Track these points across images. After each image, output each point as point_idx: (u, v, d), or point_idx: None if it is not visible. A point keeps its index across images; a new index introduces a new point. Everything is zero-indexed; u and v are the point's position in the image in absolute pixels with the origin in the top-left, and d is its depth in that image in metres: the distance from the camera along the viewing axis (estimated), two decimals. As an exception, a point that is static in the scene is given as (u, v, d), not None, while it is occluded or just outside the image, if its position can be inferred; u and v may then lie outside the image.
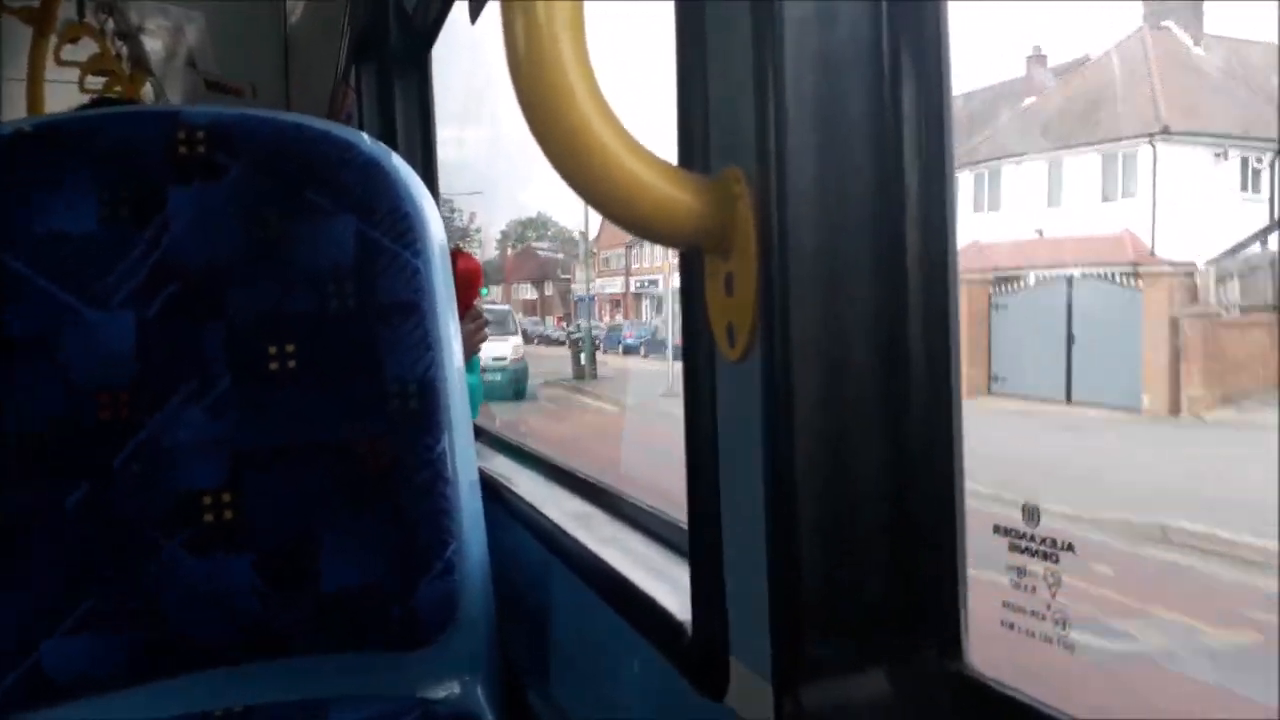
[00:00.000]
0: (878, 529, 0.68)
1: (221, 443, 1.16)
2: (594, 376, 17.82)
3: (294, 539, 1.16)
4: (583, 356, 18.34)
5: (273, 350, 1.18)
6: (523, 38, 0.66)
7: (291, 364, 1.18)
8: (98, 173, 1.17)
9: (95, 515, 1.12)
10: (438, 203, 1.46)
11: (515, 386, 16.03)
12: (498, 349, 15.06)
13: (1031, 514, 0.68)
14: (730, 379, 0.74)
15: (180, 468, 1.15)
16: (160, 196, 1.18)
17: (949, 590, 0.66)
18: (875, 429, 0.68)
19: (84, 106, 2.43)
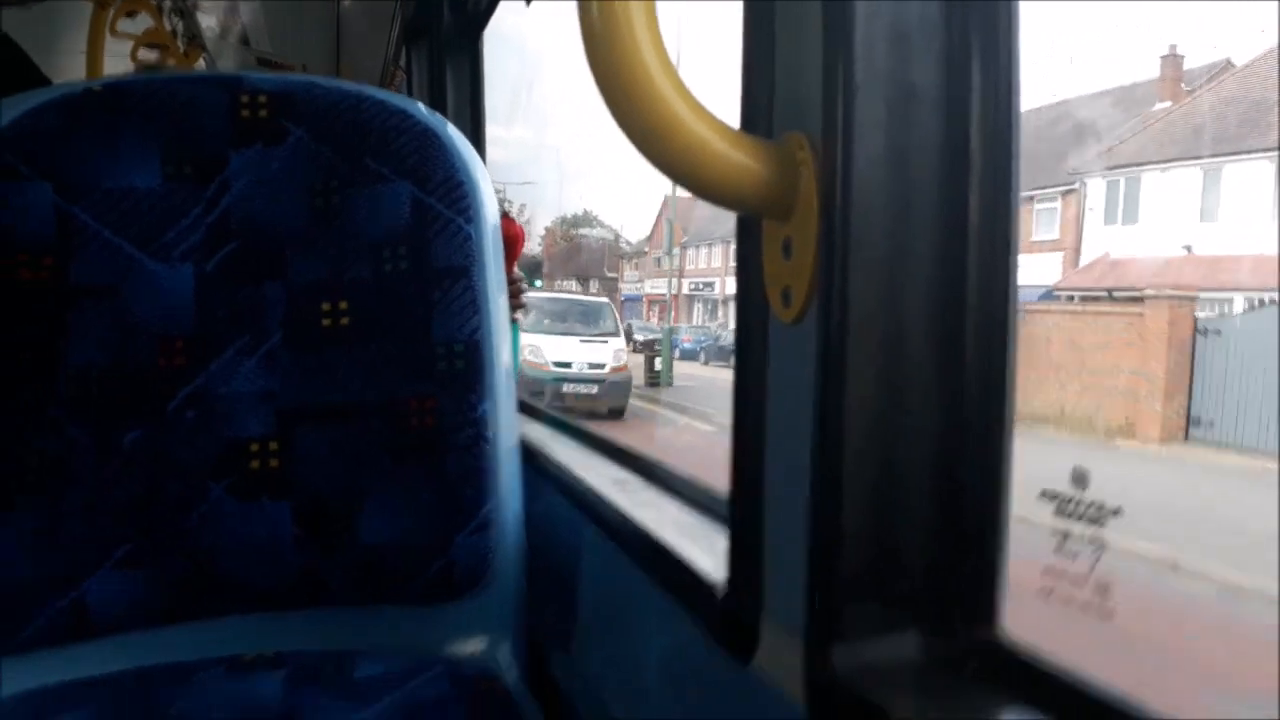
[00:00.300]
0: (922, 497, 0.69)
1: (271, 395, 1.19)
2: (670, 385, 15.03)
3: (336, 490, 1.19)
4: (658, 362, 15.45)
5: (326, 308, 1.21)
6: (596, 3, 0.68)
7: (345, 321, 1.21)
8: (162, 132, 1.20)
9: (148, 456, 1.16)
10: None
11: (613, 402, 12.00)
12: (595, 354, 12.34)
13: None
14: (783, 341, 0.76)
15: (231, 416, 1.18)
16: (222, 158, 1.21)
17: (989, 559, 0.68)
18: (927, 398, 0.69)
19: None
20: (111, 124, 1.19)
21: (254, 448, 1.18)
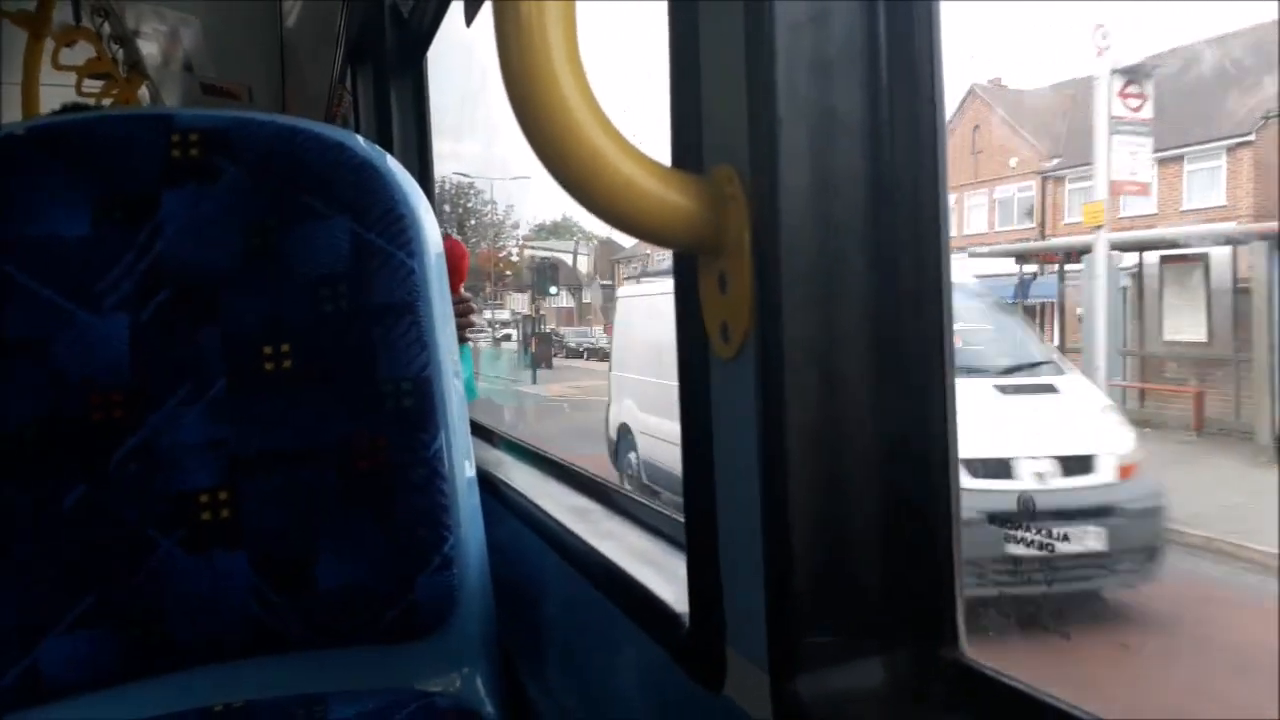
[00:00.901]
0: (872, 520, 0.69)
1: (218, 444, 1.17)
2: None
3: (291, 537, 1.17)
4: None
5: (268, 351, 1.19)
6: (513, 37, 0.67)
7: (287, 364, 1.19)
8: (90, 175, 1.17)
9: (92, 515, 1.13)
10: (433, 204, 1.47)
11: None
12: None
13: None
14: (724, 376, 0.75)
15: (177, 468, 1.16)
16: (154, 200, 1.18)
17: (945, 579, 0.67)
18: (869, 423, 0.69)
19: (54, 113, 2.44)
20: (37, 169, 1.16)
21: (203, 499, 1.16)
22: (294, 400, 1.18)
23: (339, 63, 2.87)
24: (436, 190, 2.50)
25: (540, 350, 22.24)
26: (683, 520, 1.07)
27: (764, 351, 0.68)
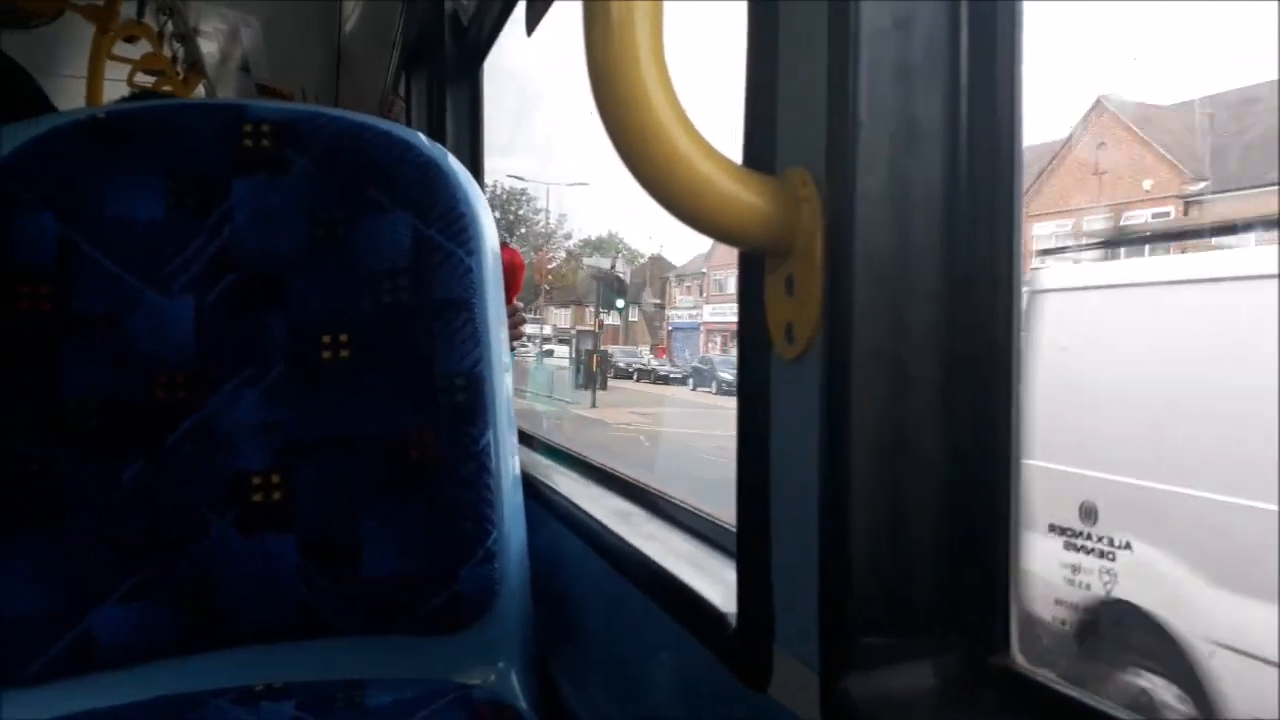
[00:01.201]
0: (929, 524, 0.69)
1: (273, 428, 1.19)
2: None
3: (339, 523, 1.19)
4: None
5: (327, 340, 1.21)
6: (601, 34, 0.69)
7: (344, 354, 1.21)
8: (165, 161, 1.21)
9: (149, 490, 1.16)
10: None
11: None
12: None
13: None
14: (786, 378, 0.76)
15: (232, 449, 1.18)
16: (225, 186, 1.22)
17: (1000, 585, 0.68)
18: (933, 431, 0.69)
19: (124, 99, 2.49)
20: (116, 152, 1.20)
21: (256, 481, 1.18)
22: (349, 389, 1.20)
23: (393, 67, 2.91)
24: (487, 195, 2.52)
25: (599, 370, 19.63)
26: (725, 525, 1.08)
27: (831, 354, 0.69)
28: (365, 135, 1.26)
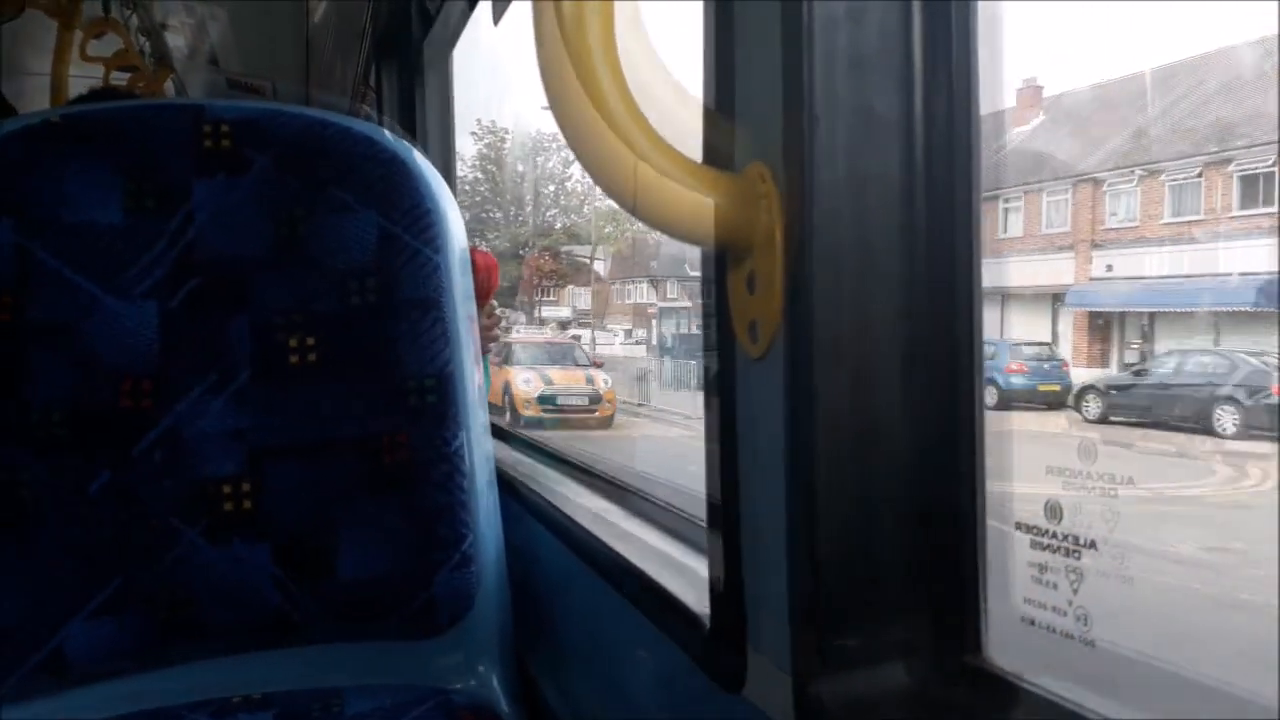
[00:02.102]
0: (898, 525, 0.69)
1: (242, 433, 1.17)
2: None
3: (312, 529, 1.18)
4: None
5: (293, 344, 1.19)
6: (550, 31, 0.67)
7: (312, 357, 1.19)
8: (123, 164, 1.18)
9: (117, 502, 1.14)
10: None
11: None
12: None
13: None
14: (752, 375, 0.75)
15: (201, 457, 1.16)
16: (185, 188, 1.19)
17: (970, 585, 0.67)
18: (898, 427, 0.69)
19: (81, 98, 2.45)
20: (71, 156, 1.17)
21: (226, 489, 1.16)
22: (318, 392, 1.18)
23: (363, 59, 2.88)
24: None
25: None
26: (702, 524, 1.07)
27: (794, 351, 0.68)
28: (327, 132, 1.24)
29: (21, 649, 1.10)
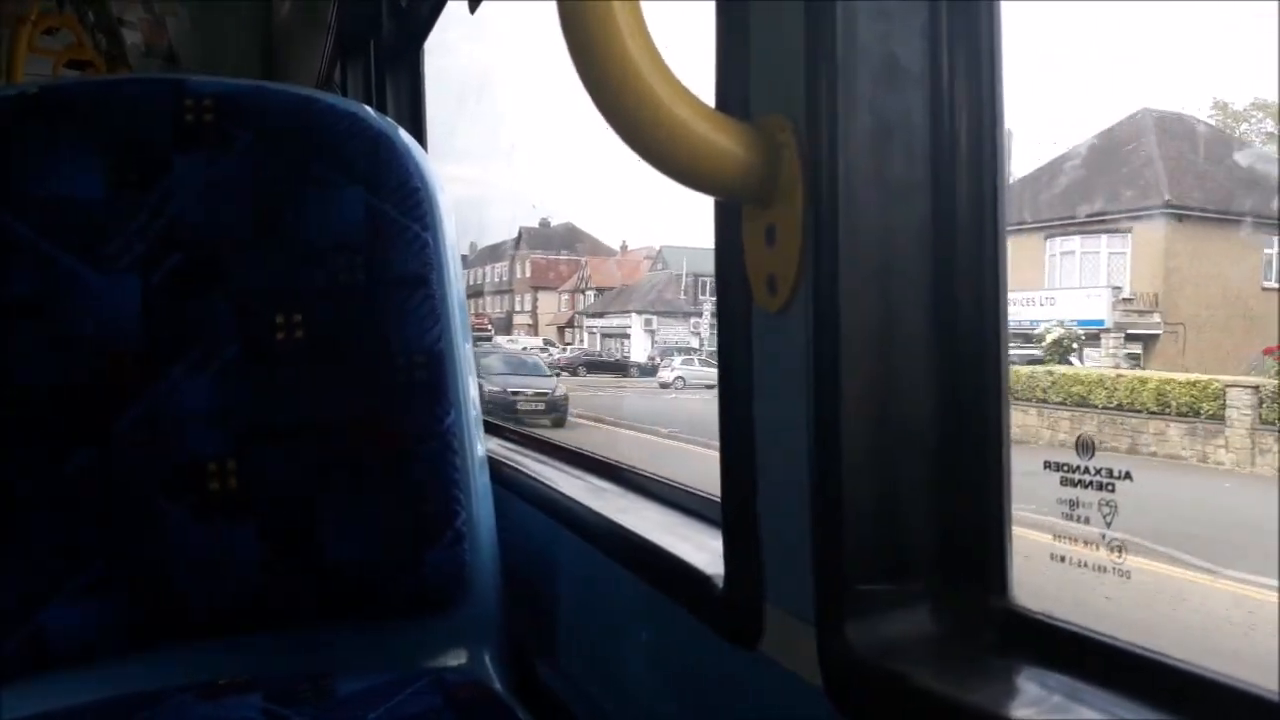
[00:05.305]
0: (923, 470, 0.69)
1: (227, 412, 1.15)
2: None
3: (299, 510, 1.15)
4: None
5: (280, 321, 1.16)
6: None
7: (299, 335, 1.16)
8: (103, 137, 1.15)
9: (97, 480, 1.10)
10: None
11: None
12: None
13: None
14: (770, 328, 0.75)
15: (185, 435, 1.13)
16: (165, 163, 1.16)
17: (994, 528, 0.67)
18: (923, 375, 0.69)
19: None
20: (50, 129, 1.14)
21: (212, 468, 1.13)
22: (305, 371, 1.16)
23: (328, 52, 2.84)
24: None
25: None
26: (698, 493, 1.06)
27: (818, 303, 0.68)
28: (311, 109, 1.22)
29: None
